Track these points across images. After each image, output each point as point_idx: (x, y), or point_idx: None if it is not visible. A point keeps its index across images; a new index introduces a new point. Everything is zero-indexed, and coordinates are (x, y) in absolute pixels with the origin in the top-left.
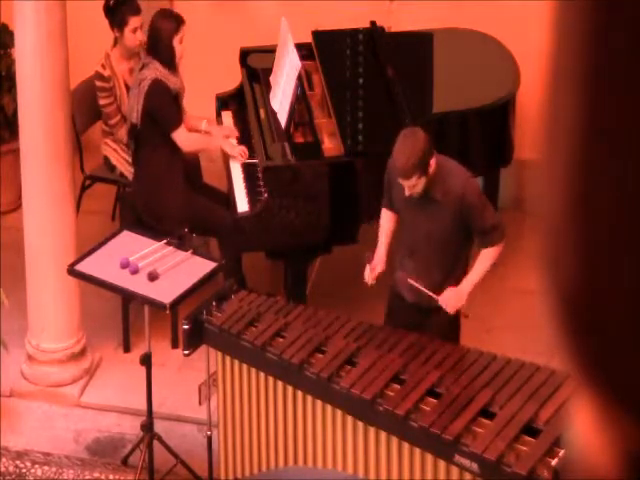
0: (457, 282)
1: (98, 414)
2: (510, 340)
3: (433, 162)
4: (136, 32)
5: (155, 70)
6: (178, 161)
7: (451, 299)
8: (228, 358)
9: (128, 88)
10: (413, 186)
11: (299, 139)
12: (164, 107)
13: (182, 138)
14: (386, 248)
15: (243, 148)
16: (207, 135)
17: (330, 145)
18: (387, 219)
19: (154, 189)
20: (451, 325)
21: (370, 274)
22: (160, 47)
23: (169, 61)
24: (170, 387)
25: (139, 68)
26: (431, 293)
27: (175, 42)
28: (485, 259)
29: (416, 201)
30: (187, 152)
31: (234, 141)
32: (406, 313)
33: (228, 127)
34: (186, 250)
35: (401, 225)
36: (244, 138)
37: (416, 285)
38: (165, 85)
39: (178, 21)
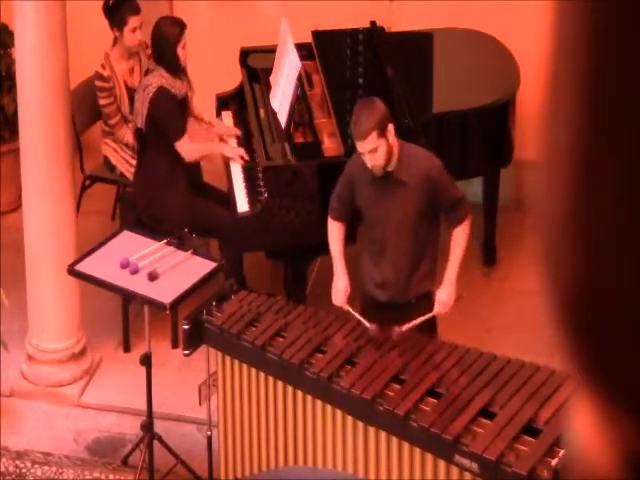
0: (429, 268)
1: (98, 414)
2: (510, 340)
3: (392, 130)
4: (135, 32)
5: (160, 77)
6: (181, 165)
7: (444, 301)
8: (228, 358)
9: (128, 88)
10: (373, 153)
11: (299, 139)
12: (167, 117)
13: (185, 148)
14: (343, 264)
15: (244, 151)
16: (208, 142)
17: (330, 145)
18: (336, 231)
19: (156, 191)
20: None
21: (339, 298)
22: (164, 54)
23: (174, 67)
24: (170, 387)
25: (144, 73)
26: (425, 316)
27: (179, 48)
28: (458, 240)
29: (382, 190)
30: (190, 161)
31: (234, 142)
32: (380, 311)
33: (230, 127)
34: (186, 250)
35: (368, 223)
36: (244, 138)
37: (408, 326)
38: (170, 93)
39: (181, 27)
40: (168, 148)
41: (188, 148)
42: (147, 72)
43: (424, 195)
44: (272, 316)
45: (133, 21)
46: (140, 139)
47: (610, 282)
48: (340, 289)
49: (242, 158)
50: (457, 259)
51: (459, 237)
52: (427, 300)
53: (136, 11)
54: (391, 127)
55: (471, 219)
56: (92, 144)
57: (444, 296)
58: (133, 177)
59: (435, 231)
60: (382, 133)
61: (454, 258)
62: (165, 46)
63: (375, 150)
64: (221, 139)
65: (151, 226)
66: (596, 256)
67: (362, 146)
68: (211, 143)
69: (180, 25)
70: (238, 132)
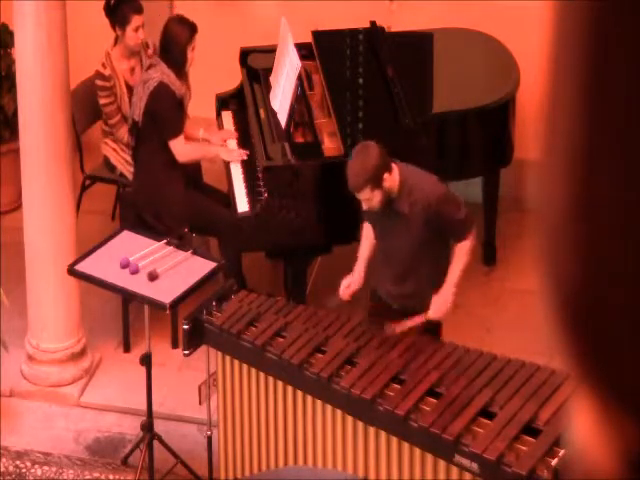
0: (441, 283)
1: (98, 414)
2: (510, 340)
3: (389, 176)
4: (138, 31)
5: (162, 73)
6: (178, 161)
7: (437, 309)
8: (228, 358)
9: (129, 87)
10: (368, 200)
11: (299, 139)
12: (166, 112)
13: (178, 148)
14: (364, 265)
15: (241, 152)
16: (204, 143)
17: (330, 145)
18: (367, 232)
19: (154, 187)
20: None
21: (346, 290)
22: (173, 52)
23: (179, 67)
24: (170, 387)
25: (145, 67)
26: (417, 320)
27: (188, 50)
28: (460, 255)
29: (384, 216)
30: (183, 162)
31: (234, 143)
32: (390, 316)
33: (226, 131)
34: (186, 250)
35: (377, 240)
36: (244, 138)
37: (402, 329)
38: (170, 90)
39: (193, 29)
40: (164, 143)
41: (182, 149)
42: (149, 67)
43: (425, 223)
44: (272, 316)
45: (136, 20)
46: (135, 133)
47: (610, 282)
48: (348, 284)
49: (241, 156)
50: (457, 271)
51: (461, 252)
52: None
53: (139, 10)
54: (387, 175)
55: (475, 235)
56: (92, 144)
57: (439, 303)
58: (132, 176)
59: (447, 248)
60: (376, 185)
61: (454, 269)
62: (175, 45)
63: (369, 199)
64: (219, 144)
65: (151, 224)
66: (596, 257)
67: (356, 194)
68: (207, 146)
69: (192, 27)
70: (234, 135)
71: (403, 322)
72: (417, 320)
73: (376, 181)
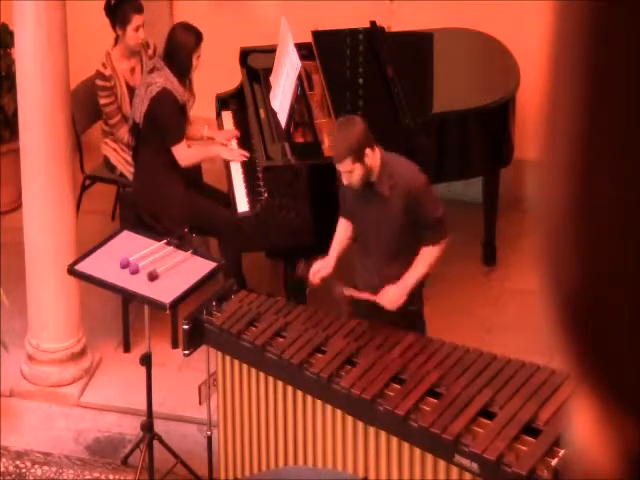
0: None
1: (98, 414)
2: (510, 340)
3: (371, 153)
4: (138, 30)
5: (166, 78)
6: (180, 165)
7: (389, 297)
8: (228, 358)
9: (129, 87)
10: (349, 173)
11: (299, 139)
12: (168, 119)
13: (180, 153)
14: (337, 254)
15: (242, 152)
16: (205, 144)
17: (330, 145)
18: (341, 227)
19: (154, 188)
20: (412, 316)
21: (314, 275)
22: (178, 59)
23: (184, 73)
24: (170, 387)
25: (148, 69)
26: (366, 295)
27: (194, 58)
28: (425, 258)
29: (364, 199)
30: (185, 166)
31: (234, 143)
32: (368, 306)
33: (229, 130)
34: (186, 250)
35: (355, 227)
36: (244, 138)
37: (351, 293)
38: (173, 96)
39: (198, 37)
40: (164, 146)
41: (185, 153)
42: (152, 70)
43: (404, 209)
44: (272, 316)
45: (136, 19)
46: (136, 134)
47: (610, 282)
48: (317, 269)
49: (242, 156)
50: (416, 275)
51: (426, 256)
52: (414, 305)
53: (139, 10)
54: (369, 150)
55: (445, 244)
56: (92, 144)
57: (394, 292)
58: (132, 177)
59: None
60: (357, 158)
61: (413, 274)
62: (180, 52)
63: (350, 172)
64: (222, 143)
65: (151, 225)
66: (596, 257)
67: (337, 166)
68: (208, 147)
69: (198, 35)
70: (236, 134)
71: (356, 290)
72: (368, 296)
73: (358, 153)
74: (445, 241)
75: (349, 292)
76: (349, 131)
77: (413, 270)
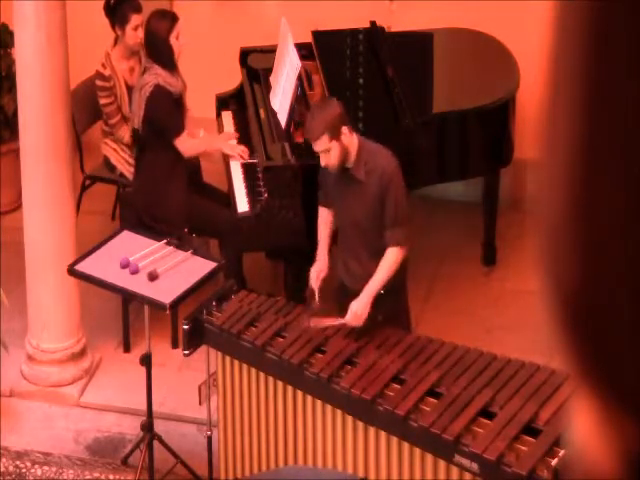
0: None
1: (98, 414)
2: (510, 340)
3: (348, 132)
4: (137, 30)
5: (156, 75)
6: (181, 165)
7: (354, 317)
8: (228, 358)
9: (128, 87)
10: (325, 152)
11: (299, 139)
12: (165, 115)
13: (183, 145)
14: (326, 249)
15: (243, 148)
16: (207, 137)
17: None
18: (322, 215)
19: (155, 192)
20: (398, 307)
21: (315, 281)
22: (158, 48)
23: (168, 61)
24: (170, 387)
25: (141, 72)
26: (335, 322)
27: (172, 40)
28: (387, 261)
29: (341, 184)
30: (188, 157)
31: (234, 142)
32: (349, 298)
33: (226, 134)
34: (186, 250)
35: (335, 214)
36: (244, 138)
37: (316, 324)
38: (166, 91)
39: (172, 19)
40: (166, 148)
41: (187, 144)
42: (144, 71)
43: (377, 196)
44: (272, 316)
45: (135, 19)
46: (137, 140)
47: (610, 282)
48: (315, 271)
49: (242, 156)
50: (381, 278)
51: (390, 258)
52: (395, 295)
53: (138, 9)
54: (346, 129)
55: (406, 250)
56: (92, 144)
57: (357, 308)
58: (133, 177)
59: None
60: (334, 136)
61: (378, 276)
62: (157, 41)
63: (327, 151)
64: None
65: (151, 226)
66: (596, 257)
67: (314, 146)
68: (210, 139)
69: (170, 17)
70: (235, 136)
71: (323, 319)
72: (335, 322)
73: (334, 131)
74: (405, 249)
75: (315, 323)
76: (326, 111)
77: (374, 281)
